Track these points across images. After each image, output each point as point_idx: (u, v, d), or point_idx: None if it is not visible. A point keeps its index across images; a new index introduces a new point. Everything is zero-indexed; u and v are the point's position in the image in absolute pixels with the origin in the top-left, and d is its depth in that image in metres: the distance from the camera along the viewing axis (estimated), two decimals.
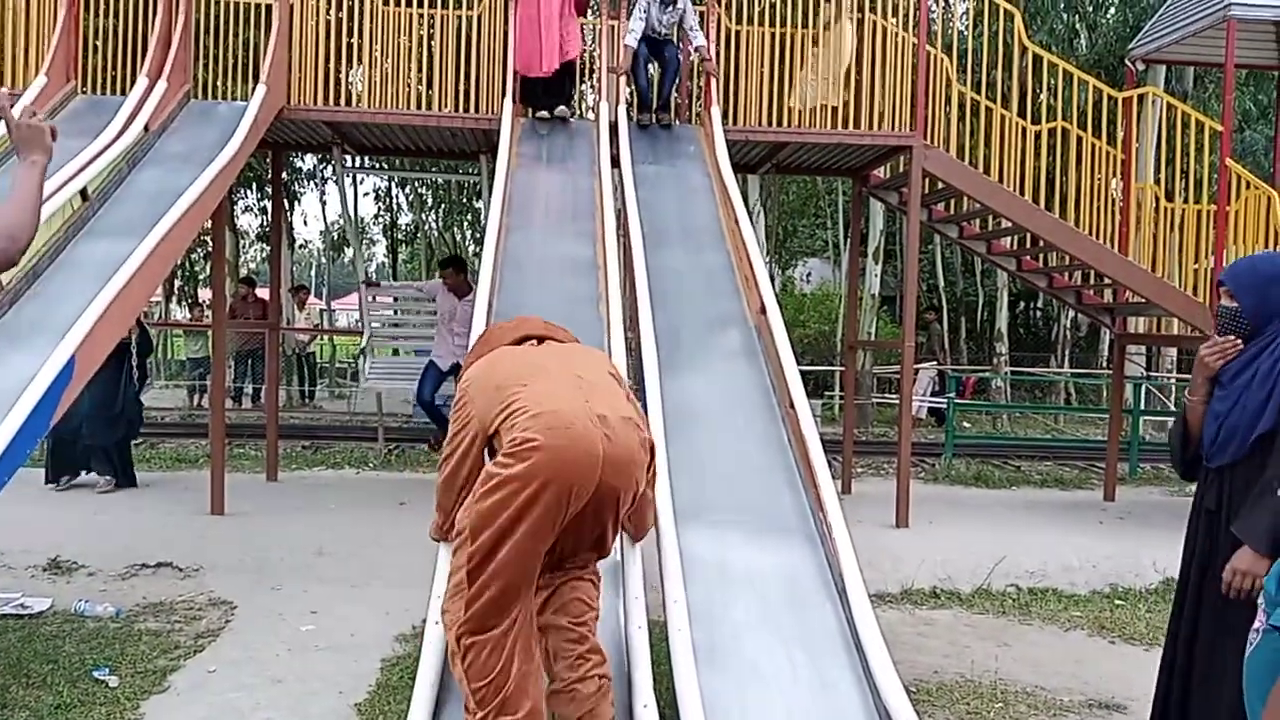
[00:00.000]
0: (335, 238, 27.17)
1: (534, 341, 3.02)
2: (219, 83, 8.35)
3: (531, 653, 2.69)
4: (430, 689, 2.94)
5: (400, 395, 10.74)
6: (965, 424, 14.62)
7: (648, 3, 7.69)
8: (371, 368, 10.24)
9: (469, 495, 2.76)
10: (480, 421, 2.76)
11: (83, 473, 8.41)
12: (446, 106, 8.11)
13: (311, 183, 23.78)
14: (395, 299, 10.83)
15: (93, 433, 8.11)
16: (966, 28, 13.11)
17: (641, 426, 2.77)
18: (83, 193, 5.76)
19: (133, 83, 7.26)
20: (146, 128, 6.64)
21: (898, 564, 6.37)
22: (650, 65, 7.93)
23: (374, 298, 10.21)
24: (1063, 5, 17.85)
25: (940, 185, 8.56)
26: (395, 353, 10.79)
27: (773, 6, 8.56)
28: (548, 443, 2.53)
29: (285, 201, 21.42)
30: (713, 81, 7.70)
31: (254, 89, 7.26)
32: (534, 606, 2.76)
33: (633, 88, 7.98)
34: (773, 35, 8.23)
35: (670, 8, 7.72)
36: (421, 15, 8.28)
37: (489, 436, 2.77)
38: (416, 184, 22.70)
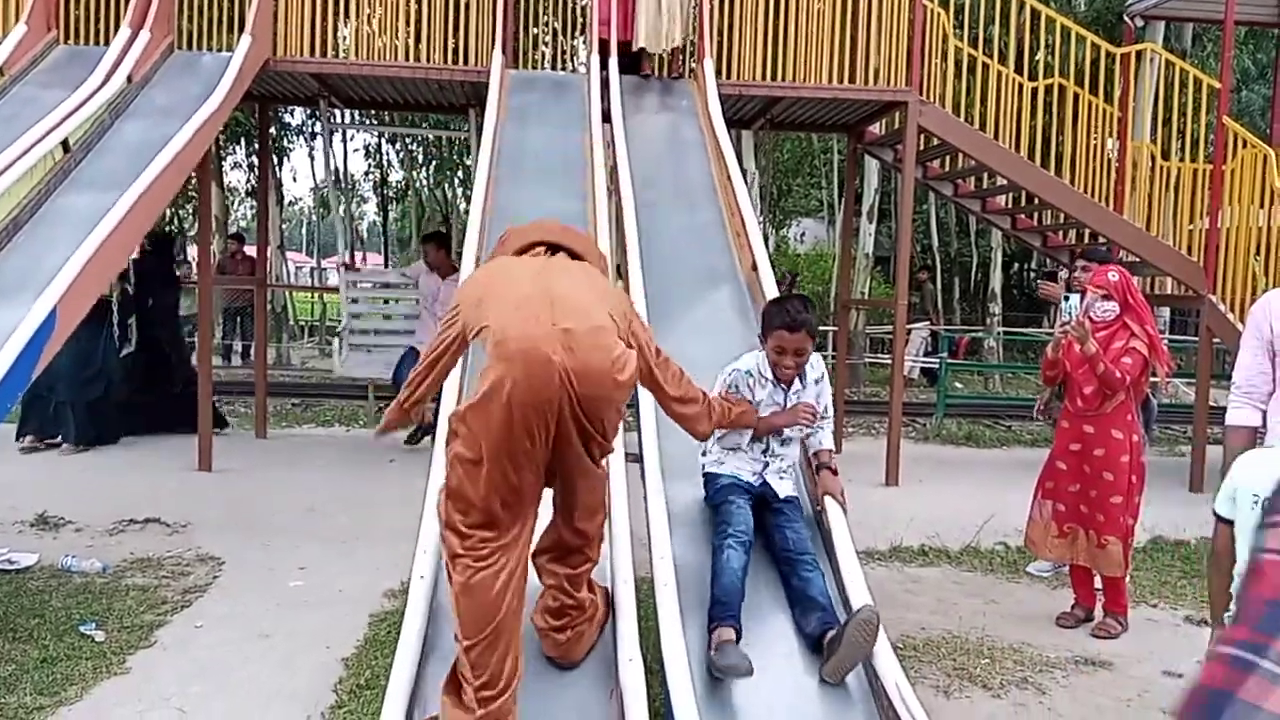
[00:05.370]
0: (325, 194, 26.96)
1: (543, 249, 2.98)
2: (203, 33, 8.19)
3: (521, 591, 2.74)
4: (416, 642, 2.93)
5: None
6: (957, 384, 14.63)
7: (745, 380, 3.61)
8: (349, 354, 9.29)
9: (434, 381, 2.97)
10: (464, 328, 2.82)
11: (49, 441, 8.20)
12: (435, 59, 7.97)
13: (300, 138, 23.55)
14: (375, 285, 10.27)
15: (66, 390, 7.93)
16: None
17: (612, 331, 2.72)
18: (64, 144, 5.68)
19: (115, 33, 7.13)
20: (129, 79, 6.54)
21: (887, 522, 6.38)
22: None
23: (354, 283, 9.51)
24: None
25: (936, 142, 8.47)
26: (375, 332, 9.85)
27: None
28: (505, 373, 2.59)
29: (273, 157, 21.19)
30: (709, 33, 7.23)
31: (239, 40, 7.13)
32: (530, 548, 2.83)
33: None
34: None
35: (787, 388, 3.61)
36: None
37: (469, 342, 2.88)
38: (406, 140, 22.45)
